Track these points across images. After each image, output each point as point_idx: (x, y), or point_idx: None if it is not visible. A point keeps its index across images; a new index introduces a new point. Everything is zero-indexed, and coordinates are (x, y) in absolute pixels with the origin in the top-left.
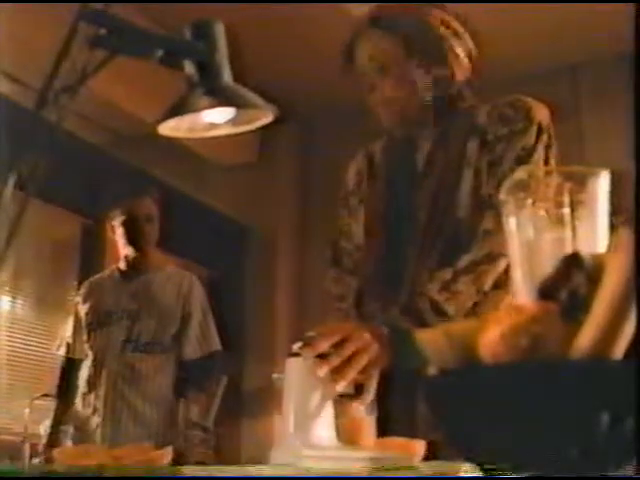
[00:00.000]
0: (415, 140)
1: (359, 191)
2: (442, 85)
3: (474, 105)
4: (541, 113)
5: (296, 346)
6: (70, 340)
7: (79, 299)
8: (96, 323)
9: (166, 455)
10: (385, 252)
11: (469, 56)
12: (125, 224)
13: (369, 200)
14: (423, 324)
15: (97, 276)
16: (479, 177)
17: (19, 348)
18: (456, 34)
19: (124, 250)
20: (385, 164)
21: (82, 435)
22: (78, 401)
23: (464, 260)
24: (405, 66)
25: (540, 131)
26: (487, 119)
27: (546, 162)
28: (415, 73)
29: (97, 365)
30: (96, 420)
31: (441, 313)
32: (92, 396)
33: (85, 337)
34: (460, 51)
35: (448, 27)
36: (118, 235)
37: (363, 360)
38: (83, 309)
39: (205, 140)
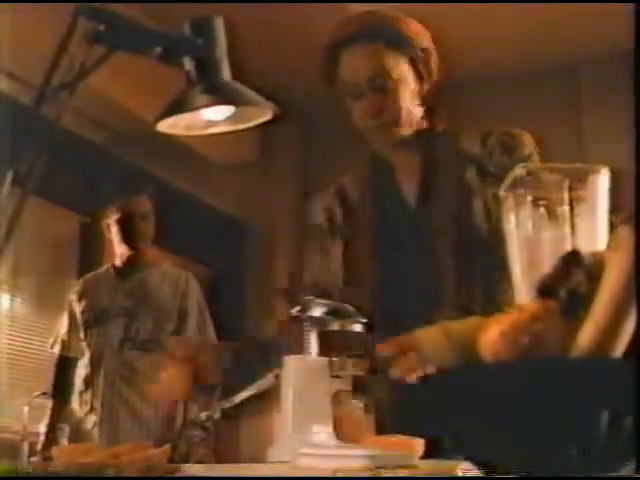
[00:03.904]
0: (394, 165)
1: (331, 226)
2: (427, 99)
3: (452, 129)
4: (532, 140)
5: (294, 310)
6: (65, 338)
7: (74, 297)
8: (92, 321)
9: (165, 453)
10: (386, 285)
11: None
12: (120, 222)
13: (352, 235)
14: None
15: (91, 274)
16: (487, 206)
17: (18, 346)
18: (433, 47)
19: (119, 248)
20: (365, 195)
21: (79, 434)
22: (75, 399)
23: None
24: (397, 78)
25: (538, 157)
26: (482, 148)
27: None
28: (406, 85)
29: (94, 363)
30: (93, 419)
31: None
32: (89, 394)
33: (82, 335)
34: (437, 64)
35: (428, 39)
36: (113, 233)
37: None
38: (78, 307)
39: (205, 138)
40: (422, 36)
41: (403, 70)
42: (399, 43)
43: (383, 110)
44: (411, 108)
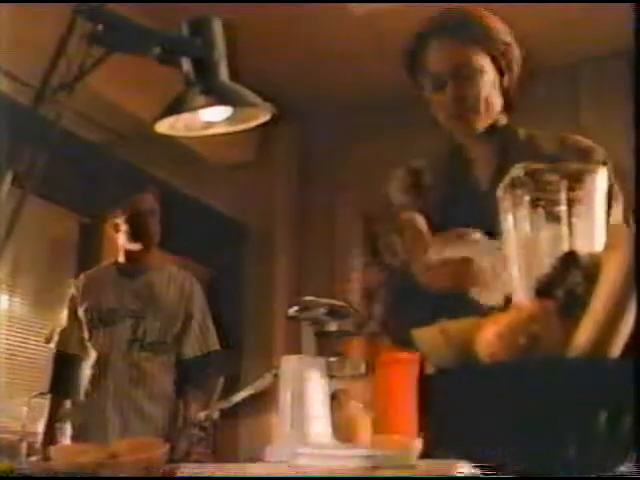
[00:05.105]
0: (472, 157)
1: (407, 208)
2: (507, 94)
3: (530, 130)
4: (605, 154)
5: (292, 310)
6: (64, 333)
7: (75, 292)
8: (97, 321)
9: (163, 453)
10: None
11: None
12: (130, 220)
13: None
14: None
15: (93, 270)
16: None
17: (17, 346)
18: (515, 42)
19: (127, 246)
20: (439, 181)
21: (86, 434)
22: (81, 400)
23: None
24: (478, 68)
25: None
26: (558, 150)
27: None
28: (486, 76)
29: (101, 364)
30: (101, 419)
31: None
32: (96, 395)
33: (86, 334)
34: (518, 59)
35: (510, 34)
36: (122, 232)
37: None
38: (80, 304)
39: (204, 139)
40: (504, 32)
41: (484, 62)
42: (481, 37)
43: (463, 98)
44: (491, 99)
